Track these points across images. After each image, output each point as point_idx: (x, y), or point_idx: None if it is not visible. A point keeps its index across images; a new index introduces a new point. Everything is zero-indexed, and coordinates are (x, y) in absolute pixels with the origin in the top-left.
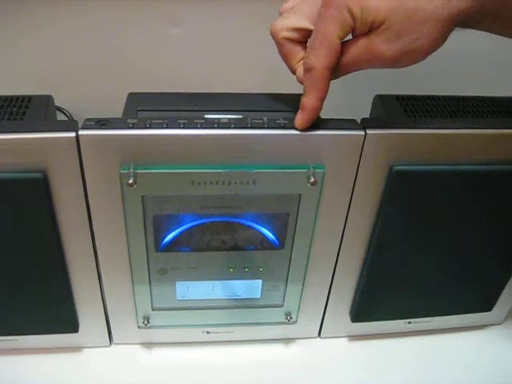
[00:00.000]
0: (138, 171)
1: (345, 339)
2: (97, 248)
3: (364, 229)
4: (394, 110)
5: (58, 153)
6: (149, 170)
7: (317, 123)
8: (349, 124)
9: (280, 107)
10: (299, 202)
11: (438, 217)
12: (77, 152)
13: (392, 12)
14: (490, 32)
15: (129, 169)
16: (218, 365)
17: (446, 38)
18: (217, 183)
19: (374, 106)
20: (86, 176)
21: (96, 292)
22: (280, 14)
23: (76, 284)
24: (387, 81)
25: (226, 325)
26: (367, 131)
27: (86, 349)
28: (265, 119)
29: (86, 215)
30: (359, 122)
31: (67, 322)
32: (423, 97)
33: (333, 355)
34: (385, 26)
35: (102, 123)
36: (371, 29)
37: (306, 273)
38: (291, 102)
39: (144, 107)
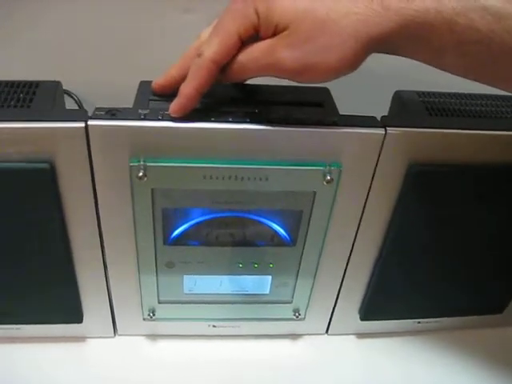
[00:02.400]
0: (149, 164)
1: (352, 336)
2: (104, 240)
3: (378, 228)
4: (414, 107)
5: (66, 143)
6: (159, 163)
7: (335, 120)
8: (369, 121)
9: (298, 100)
10: (313, 200)
11: (455, 217)
12: (85, 142)
13: (299, 18)
14: (416, 59)
15: (139, 161)
16: (224, 359)
17: (360, 61)
18: (229, 178)
19: (393, 103)
20: (94, 167)
21: (101, 283)
22: None
23: (81, 275)
24: (408, 76)
25: (233, 319)
26: (388, 130)
27: (89, 339)
28: (282, 114)
29: (94, 207)
30: (379, 119)
31: (72, 313)
32: (445, 93)
33: (340, 352)
34: (289, 31)
35: (112, 113)
36: (275, 32)
37: (316, 270)
38: (311, 95)
39: (156, 97)
